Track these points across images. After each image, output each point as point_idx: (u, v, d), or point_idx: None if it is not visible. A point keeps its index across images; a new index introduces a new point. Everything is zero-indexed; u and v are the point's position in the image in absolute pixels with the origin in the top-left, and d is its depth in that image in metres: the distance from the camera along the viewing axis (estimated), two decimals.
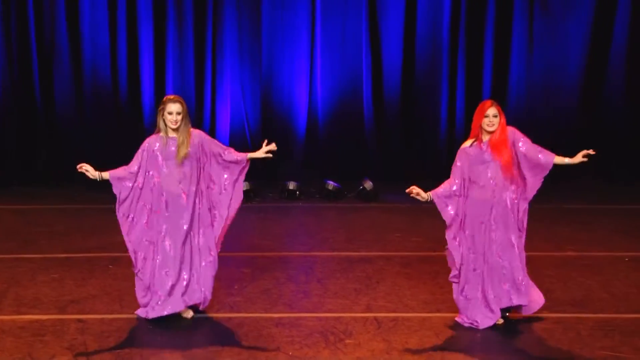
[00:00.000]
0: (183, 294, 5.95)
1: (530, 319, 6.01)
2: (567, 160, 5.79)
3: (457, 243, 5.87)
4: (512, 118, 11.77)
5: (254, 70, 11.66)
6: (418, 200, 5.88)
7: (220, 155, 5.95)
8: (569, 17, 11.70)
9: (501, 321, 5.89)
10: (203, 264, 5.98)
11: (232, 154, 5.97)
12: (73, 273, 7.10)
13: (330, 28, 11.65)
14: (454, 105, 11.71)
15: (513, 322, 5.97)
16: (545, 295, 6.58)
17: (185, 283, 5.94)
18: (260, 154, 5.93)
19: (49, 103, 11.45)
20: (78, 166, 5.91)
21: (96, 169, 5.93)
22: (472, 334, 5.79)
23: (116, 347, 5.43)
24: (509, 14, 11.65)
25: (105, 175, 5.91)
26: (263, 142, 5.98)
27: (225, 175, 5.98)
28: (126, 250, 7.75)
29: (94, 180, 5.93)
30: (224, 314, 6.11)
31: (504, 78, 11.78)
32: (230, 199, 5.99)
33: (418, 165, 11.29)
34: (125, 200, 5.97)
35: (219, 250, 6.06)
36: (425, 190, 5.79)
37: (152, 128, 11.55)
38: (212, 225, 5.99)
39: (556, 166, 5.81)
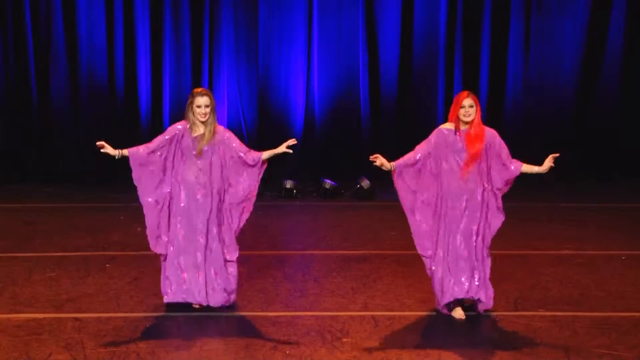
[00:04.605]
0: (200, 291, 5.99)
1: (526, 318, 6.02)
2: (536, 169, 5.90)
3: (412, 215, 6.01)
4: (508, 115, 11.85)
5: (251, 68, 11.66)
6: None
7: (240, 157, 5.98)
8: (565, 14, 11.74)
9: (463, 317, 5.93)
10: (222, 262, 6.04)
11: (250, 156, 5.98)
12: (69, 272, 7.09)
13: (326, 26, 11.65)
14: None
15: (509, 320, 5.98)
16: (541, 293, 6.60)
17: (202, 280, 5.99)
18: (280, 149, 5.94)
19: (45, 102, 11.44)
20: (98, 143, 5.91)
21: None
22: (469, 332, 5.80)
23: (113, 346, 5.42)
24: (505, 11, 11.67)
25: (125, 152, 5.93)
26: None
27: (245, 176, 6.02)
28: (122, 249, 7.73)
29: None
30: (221, 312, 6.11)
31: (501, 75, 11.81)
32: (249, 198, 6.05)
33: None
34: (148, 185, 5.98)
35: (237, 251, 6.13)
36: (389, 160, 5.88)
37: (148, 127, 11.64)
38: (232, 225, 6.05)
39: (526, 175, 5.90)
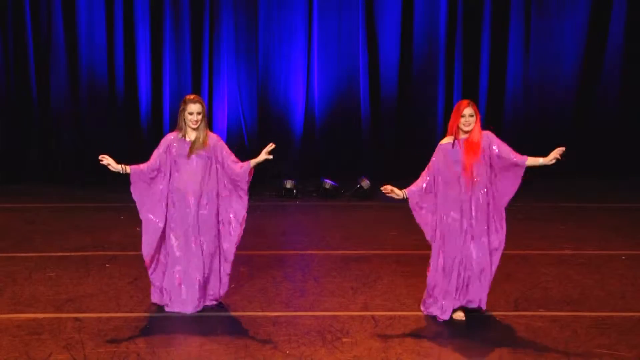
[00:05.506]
0: (195, 300, 6.01)
1: (526, 318, 6.02)
2: (541, 161, 5.86)
3: (429, 238, 5.98)
4: (508, 115, 11.85)
5: (251, 68, 11.67)
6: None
7: (229, 167, 6.00)
8: (565, 14, 11.74)
9: (463, 318, 5.95)
10: (216, 268, 6.05)
11: (237, 167, 5.99)
12: (69, 272, 7.09)
13: (326, 26, 11.65)
14: (451, 104, 11.71)
15: (509, 320, 5.98)
16: (541, 293, 6.61)
17: (198, 287, 6.00)
18: (261, 157, 5.96)
19: (45, 102, 11.44)
20: (100, 157, 5.92)
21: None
22: (469, 332, 5.80)
23: (113, 346, 5.43)
24: (505, 12, 11.68)
25: (129, 169, 5.95)
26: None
27: (232, 186, 6.04)
28: (122, 248, 7.74)
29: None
30: (221, 312, 6.11)
31: (501, 75, 11.81)
32: (244, 207, 6.07)
33: (415, 164, 11.25)
34: (147, 201, 6.00)
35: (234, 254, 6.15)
36: (400, 188, 5.89)
37: (148, 127, 11.65)
38: (225, 232, 6.07)
39: (533, 168, 5.87)
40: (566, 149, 5.82)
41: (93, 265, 7.28)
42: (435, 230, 5.95)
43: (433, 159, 5.94)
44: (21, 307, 6.18)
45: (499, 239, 5.91)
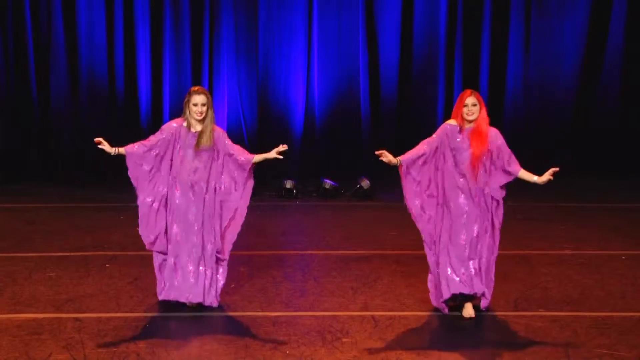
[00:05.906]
0: (192, 289, 6.00)
1: (526, 318, 6.02)
2: (535, 178, 5.91)
3: (420, 210, 5.98)
4: (508, 115, 11.86)
5: (251, 68, 11.67)
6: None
7: (232, 157, 6.01)
8: (565, 14, 11.75)
9: (473, 314, 5.95)
10: (215, 261, 6.05)
11: (242, 157, 6.01)
12: (69, 272, 7.09)
13: (326, 26, 11.66)
14: (451, 103, 11.71)
15: (509, 320, 5.98)
16: (541, 293, 6.61)
17: (195, 279, 6.00)
18: (271, 155, 5.97)
19: (45, 102, 11.44)
20: (96, 140, 5.92)
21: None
22: (469, 333, 5.80)
23: (113, 346, 5.42)
24: (505, 12, 11.68)
25: (122, 151, 5.95)
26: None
27: (236, 177, 6.06)
28: (122, 248, 7.75)
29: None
30: (221, 312, 6.11)
31: (501, 75, 11.81)
32: (241, 200, 6.08)
33: None
34: (145, 184, 6.00)
35: (229, 252, 6.15)
36: (395, 156, 5.92)
37: (148, 127, 11.64)
38: (223, 225, 6.07)
39: (522, 180, 5.92)
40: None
41: (93, 265, 7.28)
42: (436, 205, 5.94)
43: (437, 133, 5.93)
44: (21, 307, 6.18)
45: (497, 222, 5.96)
